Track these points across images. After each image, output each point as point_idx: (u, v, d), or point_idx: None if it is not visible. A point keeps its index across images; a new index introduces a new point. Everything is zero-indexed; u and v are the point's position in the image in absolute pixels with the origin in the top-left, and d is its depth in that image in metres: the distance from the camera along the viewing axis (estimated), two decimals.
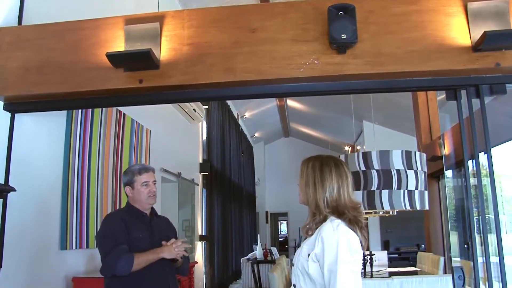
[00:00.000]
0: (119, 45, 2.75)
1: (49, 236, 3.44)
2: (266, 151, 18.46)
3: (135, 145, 5.03)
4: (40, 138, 3.37)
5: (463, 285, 2.62)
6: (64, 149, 3.62)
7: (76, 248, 3.69)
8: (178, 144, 7.19)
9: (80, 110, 3.82)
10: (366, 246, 1.99)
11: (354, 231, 1.93)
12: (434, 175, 5.78)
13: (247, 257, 10.28)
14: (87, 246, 3.85)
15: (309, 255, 1.96)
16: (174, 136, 6.98)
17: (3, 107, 2.90)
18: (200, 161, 8.66)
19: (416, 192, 3.78)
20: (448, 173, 4.65)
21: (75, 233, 3.69)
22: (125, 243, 2.44)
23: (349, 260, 1.89)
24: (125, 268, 2.37)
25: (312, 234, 2.00)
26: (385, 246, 11.03)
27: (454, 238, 5.21)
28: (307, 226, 2.03)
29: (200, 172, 8.56)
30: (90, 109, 3.99)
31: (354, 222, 1.95)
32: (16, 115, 2.97)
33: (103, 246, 2.47)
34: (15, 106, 2.92)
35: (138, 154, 5.11)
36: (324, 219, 1.99)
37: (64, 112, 3.64)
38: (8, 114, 2.94)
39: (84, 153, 3.88)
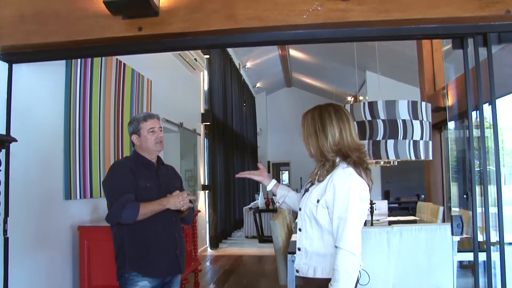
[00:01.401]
0: None
1: (53, 187, 3.47)
2: (268, 102, 18.36)
3: (136, 95, 4.98)
4: (40, 89, 3.33)
5: (461, 233, 2.66)
6: (64, 99, 3.59)
7: (80, 198, 3.74)
8: (180, 94, 7.13)
9: (79, 60, 3.75)
10: (371, 189, 2.02)
11: (359, 174, 1.95)
12: (437, 126, 5.76)
13: (249, 206, 10.48)
14: (91, 196, 3.90)
15: (318, 200, 1.98)
16: (176, 86, 6.92)
17: (0, 57, 2.84)
18: (202, 111, 8.63)
19: (421, 142, 3.76)
20: (451, 125, 4.63)
21: (78, 183, 3.72)
22: (132, 192, 2.45)
23: (358, 208, 1.92)
24: (130, 217, 2.40)
25: (322, 180, 2.01)
26: (386, 196, 11.17)
27: (454, 189, 5.26)
28: (318, 173, 2.04)
29: (202, 122, 8.56)
30: (90, 59, 3.92)
31: (359, 163, 1.97)
32: (14, 65, 2.92)
33: (109, 194, 2.49)
34: (12, 56, 2.87)
35: (140, 104, 5.08)
36: (333, 165, 2.00)
37: (63, 62, 3.58)
38: (6, 65, 2.89)
39: (85, 103, 3.85)
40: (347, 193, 1.90)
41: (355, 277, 1.88)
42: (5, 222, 2.82)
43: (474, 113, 2.45)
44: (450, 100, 4.63)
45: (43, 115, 3.36)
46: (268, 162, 18.35)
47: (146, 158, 2.63)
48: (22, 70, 3.07)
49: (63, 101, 3.58)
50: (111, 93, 4.36)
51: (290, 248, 3.47)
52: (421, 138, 3.78)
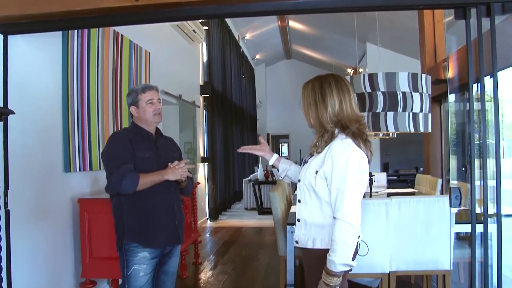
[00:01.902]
0: None
1: (52, 160, 3.47)
2: (268, 74, 18.24)
3: (135, 66, 4.93)
4: (37, 61, 3.29)
5: (459, 205, 2.67)
6: (62, 71, 3.55)
7: (80, 170, 3.74)
8: (178, 66, 7.06)
9: (76, 32, 3.69)
10: (371, 160, 2.02)
11: (358, 145, 1.94)
12: (437, 99, 5.71)
13: (249, 178, 10.52)
14: (91, 169, 3.90)
15: (317, 172, 1.99)
16: (174, 58, 6.84)
17: None
18: (201, 83, 8.57)
19: (421, 114, 3.74)
20: (451, 97, 4.59)
21: (78, 155, 3.72)
22: (131, 163, 2.45)
23: (357, 179, 1.92)
24: (129, 188, 2.40)
25: (321, 152, 2.01)
26: (385, 168, 11.22)
27: (453, 162, 5.26)
28: (317, 143, 2.04)
29: (201, 94, 8.50)
30: (86, 30, 3.85)
31: (358, 135, 1.96)
32: (9, 37, 2.88)
33: (109, 164, 2.49)
34: (7, 28, 2.81)
35: (138, 76, 5.03)
36: (332, 136, 1.99)
37: (60, 34, 3.52)
38: (1, 36, 2.84)
39: (83, 75, 3.81)
40: (345, 164, 1.90)
41: (353, 247, 1.90)
42: (5, 194, 2.83)
43: (475, 86, 2.43)
44: (451, 73, 4.58)
45: (40, 87, 3.32)
46: (268, 134, 18.36)
47: (145, 130, 2.61)
48: (17, 42, 3.02)
49: (60, 73, 3.54)
50: (109, 65, 4.30)
51: (289, 220, 3.49)
52: (421, 111, 3.77)
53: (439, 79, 5.28)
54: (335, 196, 1.92)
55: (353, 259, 1.93)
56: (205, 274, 4.95)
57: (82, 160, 3.78)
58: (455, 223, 3.32)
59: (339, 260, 1.86)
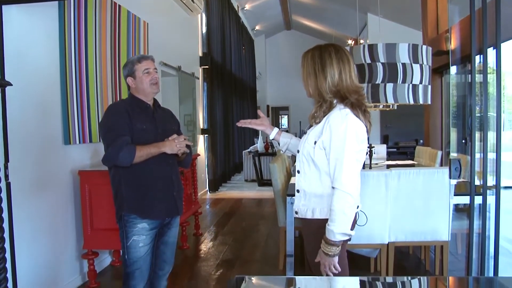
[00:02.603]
0: None
1: (52, 132, 3.46)
2: (267, 45, 18.04)
3: (133, 37, 4.86)
4: (33, 32, 3.23)
5: (459, 176, 2.68)
6: (59, 43, 3.49)
7: (79, 143, 3.73)
8: (177, 37, 6.97)
9: (72, 2, 3.62)
10: (370, 131, 2.01)
11: (357, 116, 1.93)
12: (438, 71, 5.67)
13: (249, 150, 10.54)
14: (91, 141, 3.89)
15: (315, 142, 1.98)
16: (173, 29, 6.74)
17: None
18: (200, 54, 8.47)
19: (420, 86, 3.71)
20: (453, 69, 4.53)
21: (77, 128, 3.70)
22: (128, 135, 2.44)
23: (355, 149, 1.92)
24: (126, 160, 2.39)
25: (319, 122, 2.00)
26: (385, 140, 11.24)
27: (453, 134, 5.26)
28: (315, 114, 2.03)
29: (201, 66, 8.43)
30: (83, 0, 3.78)
31: (357, 105, 1.95)
32: (4, 7, 2.82)
33: (106, 136, 2.47)
34: None
35: (136, 46, 4.97)
36: (331, 106, 1.98)
37: (56, 4, 3.45)
38: None
39: (80, 47, 3.75)
40: (343, 134, 1.90)
41: (352, 217, 1.91)
42: (5, 167, 2.83)
43: (477, 58, 2.39)
44: (453, 44, 4.52)
45: (37, 59, 3.28)
46: (267, 106, 18.31)
47: (142, 101, 2.59)
48: (12, 13, 2.96)
49: (57, 45, 3.49)
50: (107, 36, 4.24)
51: (289, 191, 3.51)
52: (421, 82, 3.74)
53: (440, 50, 5.22)
54: (333, 166, 1.92)
55: (352, 229, 1.95)
56: (206, 245, 5.01)
57: (82, 133, 3.77)
58: (454, 195, 3.34)
59: (338, 230, 1.88)
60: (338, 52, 2.00)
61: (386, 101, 3.75)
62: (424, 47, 3.77)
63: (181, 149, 2.53)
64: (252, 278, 1.61)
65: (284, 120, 24.33)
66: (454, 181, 3.29)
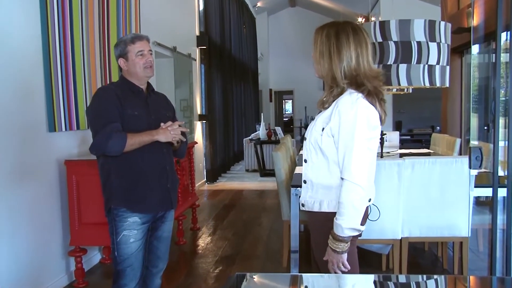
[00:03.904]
0: None
1: (35, 118, 3.41)
2: (270, 23, 17.90)
3: (123, 14, 4.80)
4: (10, 6, 3.17)
5: (480, 166, 2.64)
6: (40, 20, 3.43)
7: (66, 130, 3.70)
8: (172, 15, 6.90)
9: None
10: (384, 121, 1.98)
11: (373, 104, 1.90)
12: (457, 50, 5.59)
13: (250, 137, 10.51)
14: (78, 128, 3.86)
15: (323, 129, 1.96)
16: (167, 6, 6.67)
17: None
18: (197, 33, 8.40)
19: (437, 67, 3.66)
20: (475, 48, 4.47)
21: (63, 113, 3.66)
22: (118, 121, 2.40)
23: (366, 137, 1.88)
24: (116, 148, 2.36)
25: (328, 107, 1.97)
26: (397, 127, 11.18)
27: (474, 120, 5.21)
28: (324, 99, 2.00)
29: (198, 46, 8.36)
30: None
31: (374, 93, 1.92)
32: None
33: (93, 122, 2.44)
34: None
35: (128, 24, 4.91)
36: (342, 92, 1.94)
37: None
38: None
39: (65, 24, 3.70)
40: (353, 119, 1.87)
41: (362, 211, 1.89)
42: None
43: (503, 35, 2.33)
44: (476, 20, 4.44)
45: (17, 38, 3.22)
46: (270, 90, 18.25)
47: (135, 84, 2.55)
48: None
49: (39, 22, 3.43)
50: (94, 13, 4.18)
51: (293, 181, 3.48)
52: (438, 63, 3.69)
53: (461, 27, 5.13)
54: (342, 155, 1.89)
55: (362, 224, 1.92)
56: (204, 240, 5.00)
57: (68, 119, 3.73)
58: (474, 187, 3.30)
59: (347, 224, 1.85)
60: (356, 33, 1.95)
61: (399, 84, 3.71)
62: (443, 23, 3.71)
63: (176, 137, 2.49)
64: (254, 276, 1.61)
65: (288, 106, 24.29)
66: (474, 172, 3.25)
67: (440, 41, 3.64)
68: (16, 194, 3.17)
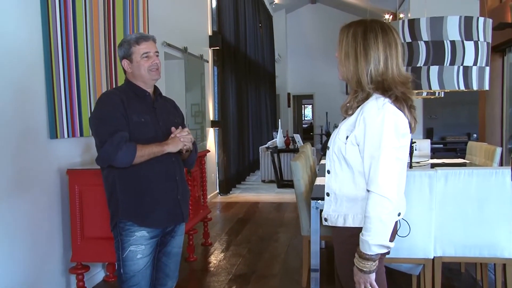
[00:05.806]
0: None
1: (35, 124, 3.44)
2: (288, 22, 17.95)
3: (130, 13, 4.84)
4: (10, 8, 3.21)
5: None
6: (41, 20, 3.47)
7: (68, 136, 3.72)
8: (183, 13, 6.94)
9: None
10: (415, 129, 1.95)
11: (401, 110, 1.88)
12: (499, 49, 5.51)
13: (267, 145, 10.51)
14: (81, 134, 3.89)
15: (347, 137, 1.94)
16: (178, 3, 6.72)
17: None
18: (210, 33, 8.45)
19: (474, 68, 3.61)
20: None
21: (65, 119, 3.69)
22: (126, 129, 2.40)
23: (394, 145, 1.86)
24: (125, 160, 2.36)
25: (352, 114, 1.95)
26: (428, 134, 11.05)
27: None
28: (347, 104, 1.99)
29: (210, 47, 8.40)
30: None
31: (403, 99, 1.90)
32: None
33: (99, 131, 2.44)
34: None
35: (135, 24, 4.95)
36: (367, 97, 1.93)
37: None
38: None
39: (68, 24, 3.74)
40: (379, 126, 1.85)
41: (390, 226, 1.86)
42: None
43: None
44: None
45: (17, 40, 3.26)
46: (288, 94, 18.26)
47: (141, 88, 2.55)
48: None
49: (40, 22, 3.47)
50: (99, 11, 4.22)
51: (314, 194, 3.45)
52: (475, 64, 3.65)
53: (503, 22, 5.06)
54: (368, 165, 1.87)
55: (391, 240, 1.90)
56: (216, 257, 4.99)
57: (71, 125, 3.76)
58: None
59: (374, 241, 1.82)
60: (386, 33, 1.93)
61: (430, 88, 3.67)
62: (481, 19, 3.67)
63: (186, 144, 2.50)
64: None
65: (307, 111, 24.28)
66: None
67: (478, 39, 3.59)
68: (13, 205, 3.19)
